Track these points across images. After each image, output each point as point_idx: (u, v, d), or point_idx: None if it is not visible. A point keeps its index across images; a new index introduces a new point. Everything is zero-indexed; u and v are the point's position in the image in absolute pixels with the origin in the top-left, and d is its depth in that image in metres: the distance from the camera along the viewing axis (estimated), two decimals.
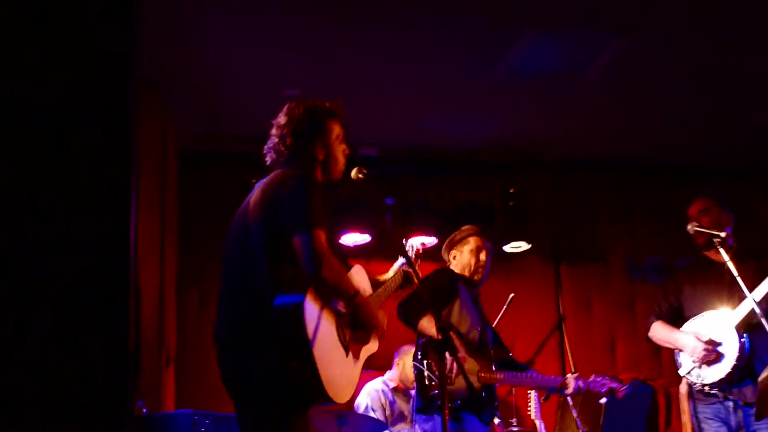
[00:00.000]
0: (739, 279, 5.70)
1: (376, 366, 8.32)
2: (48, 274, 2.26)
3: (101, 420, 2.26)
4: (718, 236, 5.96)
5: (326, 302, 4.17)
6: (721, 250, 5.88)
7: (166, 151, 7.97)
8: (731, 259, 5.89)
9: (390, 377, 8.15)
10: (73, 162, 2.31)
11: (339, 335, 4.22)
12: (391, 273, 5.12)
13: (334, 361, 4.12)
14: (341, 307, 4.27)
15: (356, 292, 4.23)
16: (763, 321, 5.56)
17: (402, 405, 8.01)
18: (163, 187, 7.89)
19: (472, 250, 6.60)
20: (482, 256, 6.57)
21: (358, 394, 8.11)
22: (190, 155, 9.02)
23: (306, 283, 4.05)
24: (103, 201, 2.32)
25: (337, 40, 7.19)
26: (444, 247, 6.85)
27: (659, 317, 6.40)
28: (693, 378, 6.10)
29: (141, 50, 2.52)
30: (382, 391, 7.98)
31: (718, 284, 6.17)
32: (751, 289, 5.79)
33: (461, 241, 6.71)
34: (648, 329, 6.46)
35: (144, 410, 6.46)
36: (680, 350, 6.18)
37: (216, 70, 7.65)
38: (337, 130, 4.55)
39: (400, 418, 7.91)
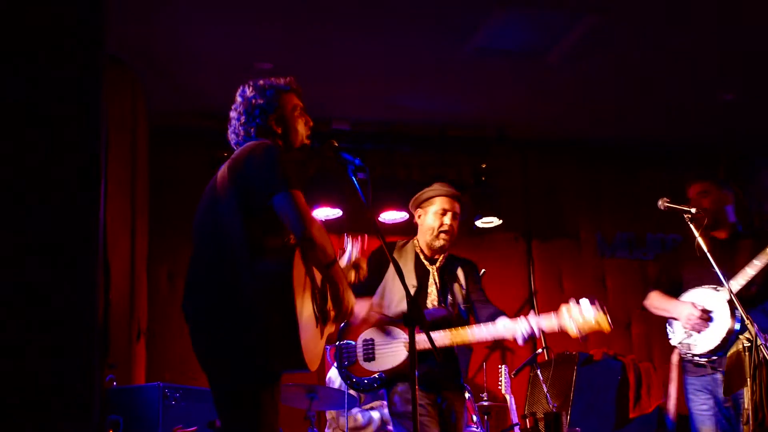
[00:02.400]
0: (709, 256, 5.72)
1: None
2: (17, 248, 2.24)
3: (70, 394, 2.25)
4: (688, 212, 5.99)
5: (307, 270, 4.18)
6: (692, 227, 5.92)
7: (137, 128, 7.94)
8: (727, 236, 6.02)
9: None
10: (42, 138, 2.29)
11: (313, 305, 4.23)
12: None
13: (310, 328, 4.13)
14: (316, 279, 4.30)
15: (336, 259, 4.24)
16: (736, 302, 5.58)
17: None
18: (134, 163, 7.86)
19: (436, 212, 5.86)
20: (446, 220, 5.82)
21: (329, 367, 8.14)
22: (161, 131, 8.99)
23: (289, 249, 4.06)
24: (73, 177, 2.30)
25: (309, 16, 7.16)
26: (411, 202, 6.12)
27: (658, 287, 6.46)
28: (683, 348, 6.16)
29: (111, 26, 2.49)
30: None
31: (716, 260, 6.20)
32: (744, 266, 5.88)
33: (427, 200, 5.98)
34: (646, 298, 6.52)
35: (114, 383, 6.46)
36: (674, 319, 6.23)
37: (186, 46, 7.61)
38: (292, 102, 4.53)
39: (372, 394, 7.92)
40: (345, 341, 5.66)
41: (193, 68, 8.06)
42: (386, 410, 7.72)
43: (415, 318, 4.10)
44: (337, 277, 4.26)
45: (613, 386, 8.40)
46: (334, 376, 7.94)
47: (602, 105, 9.12)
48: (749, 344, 5.53)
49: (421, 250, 5.88)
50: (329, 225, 9.01)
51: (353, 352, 5.60)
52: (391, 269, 5.68)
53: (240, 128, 4.45)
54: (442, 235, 5.80)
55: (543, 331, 5.39)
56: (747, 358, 5.53)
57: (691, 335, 6.11)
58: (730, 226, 6.26)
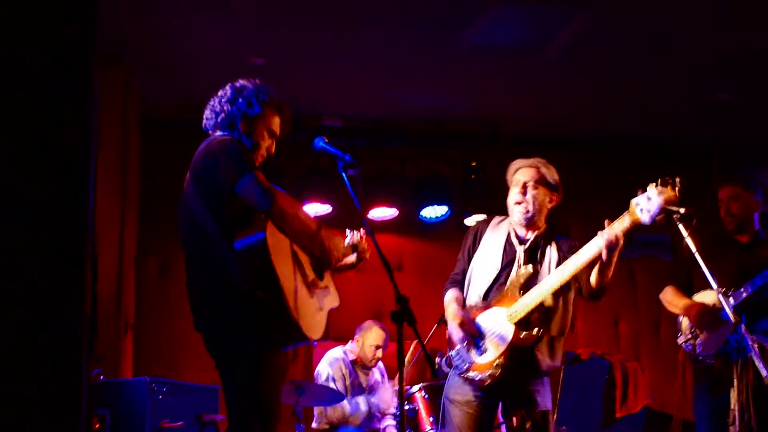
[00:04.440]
0: (698, 257, 5.70)
1: (339, 337, 8.34)
2: (3, 242, 2.23)
3: (57, 387, 2.25)
4: (677, 212, 5.98)
5: (286, 241, 4.25)
6: (680, 226, 5.91)
7: (128, 121, 7.94)
8: (748, 241, 6.20)
9: (350, 348, 8.15)
10: (30, 131, 2.29)
11: (302, 275, 4.26)
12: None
13: (301, 296, 4.18)
14: (302, 253, 4.38)
15: (320, 227, 4.30)
16: (724, 302, 5.57)
17: (361, 377, 8.03)
18: (124, 156, 7.86)
19: (512, 187, 5.59)
20: (516, 191, 5.53)
21: (317, 362, 8.15)
22: (153, 124, 8.98)
23: (261, 222, 4.13)
24: (62, 170, 2.30)
25: (302, 12, 7.15)
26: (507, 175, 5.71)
27: (674, 282, 6.47)
28: (688, 348, 6.18)
29: (104, 20, 2.49)
30: (342, 360, 7.99)
31: (732, 263, 6.21)
32: (756, 273, 5.91)
33: (510, 175, 5.65)
34: (662, 292, 6.53)
35: (101, 377, 6.45)
36: (683, 316, 6.24)
37: (179, 39, 7.59)
38: (272, 122, 4.55)
39: (359, 389, 7.93)
40: (455, 349, 5.46)
41: (185, 62, 8.04)
42: (373, 399, 7.76)
43: (403, 315, 4.09)
44: (327, 239, 4.32)
45: (600, 385, 8.41)
46: (322, 369, 7.96)
47: (596, 102, 9.13)
48: (736, 345, 5.54)
49: (513, 229, 5.59)
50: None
51: (466, 354, 5.41)
52: (483, 246, 5.60)
53: (217, 106, 4.52)
54: (515, 208, 5.52)
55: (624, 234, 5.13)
56: (734, 359, 5.54)
57: (696, 335, 6.13)
58: (754, 233, 6.30)
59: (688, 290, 6.38)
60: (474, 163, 9.46)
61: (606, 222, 5.21)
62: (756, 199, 6.40)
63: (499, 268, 5.48)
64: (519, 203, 5.50)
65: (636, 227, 5.17)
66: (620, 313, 10.09)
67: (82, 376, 2.28)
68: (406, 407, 7.31)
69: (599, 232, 5.18)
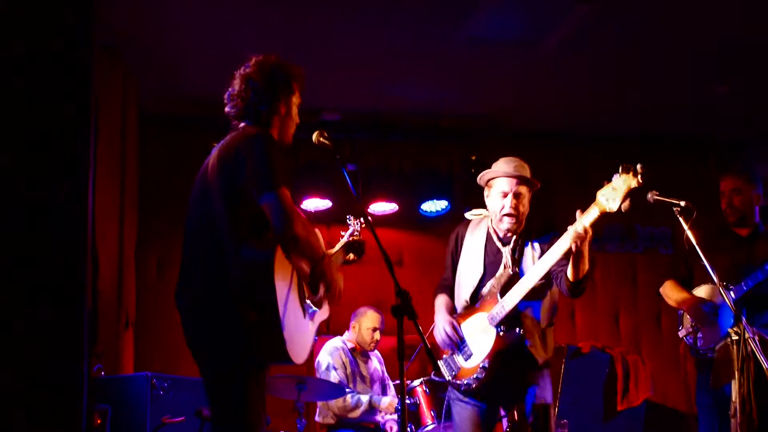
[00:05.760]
0: (698, 249, 5.69)
1: (339, 331, 8.33)
2: (4, 237, 2.23)
3: (57, 384, 2.24)
4: (677, 205, 5.97)
5: (291, 260, 4.20)
6: (681, 219, 5.90)
7: (127, 116, 7.92)
8: (748, 234, 6.20)
9: (348, 337, 8.15)
10: (32, 125, 2.29)
11: (300, 295, 4.23)
12: (338, 247, 5.10)
13: (295, 320, 4.15)
14: (303, 268, 4.31)
15: (324, 254, 4.26)
16: (724, 294, 5.56)
17: (361, 366, 8.03)
18: (123, 152, 7.84)
19: (497, 195, 5.50)
20: (506, 203, 5.45)
21: (317, 353, 8.14)
22: (152, 119, 8.96)
23: (272, 241, 4.08)
24: (61, 165, 2.29)
25: (300, 5, 7.14)
26: (478, 178, 5.72)
27: (674, 276, 6.47)
28: (689, 341, 6.18)
29: (103, 14, 2.49)
30: (342, 349, 7.99)
31: (732, 256, 6.20)
32: (757, 266, 5.89)
33: (489, 180, 5.61)
34: (662, 285, 6.52)
35: (102, 373, 6.45)
36: (683, 310, 6.24)
37: (178, 33, 7.58)
38: (297, 90, 4.53)
39: (360, 378, 7.92)
40: (443, 357, 5.55)
41: (184, 56, 8.03)
42: (375, 396, 7.76)
43: (403, 309, 4.08)
44: (327, 271, 4.28)
45: (601, 379, 8.41)
46: (322, 359, 7.94)
47: (593, 96, 9.12)
48: (737, 337, 5.54)
49: (494, 230, 5.58)
50: (318, 216, 9.00)
51: (453, 362, 5.51)
52: (465, 250, 5.64)
53: (251, 94, 4.41)
54: (506, 219, 5.46)
55: (592, 225, 5.06)
56: (735, 351, 5.54)
57: (697, 329, 6.13)
58: (754, 226, 6.30)
59: (689, 283, 6.38)
60: (474, 157, 9.45)
61: (578, 213, 5.16)
62: (757, 192, 6.40)
63: (482, 271, 5.52)
64: (509, 215, 5.47)
65: (604, 216, 5.16)
66: (621, 307, 10.08)
67: (83, 372, 2.28)
68: (408, 401, 7.31)
69: (569, 226, 5.12)
